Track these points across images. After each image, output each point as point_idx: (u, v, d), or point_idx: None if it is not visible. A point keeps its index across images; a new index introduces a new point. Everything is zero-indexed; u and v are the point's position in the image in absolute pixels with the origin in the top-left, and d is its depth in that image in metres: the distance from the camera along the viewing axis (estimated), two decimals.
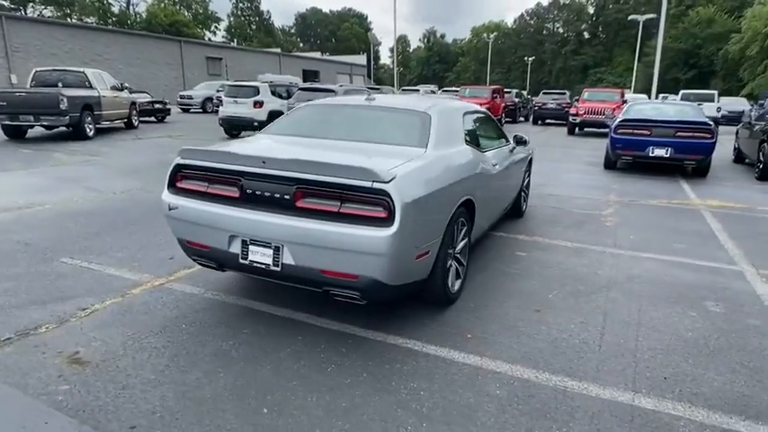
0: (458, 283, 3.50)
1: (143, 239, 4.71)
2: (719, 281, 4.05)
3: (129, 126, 15.57)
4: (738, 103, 25.24)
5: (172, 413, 2.25)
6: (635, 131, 9.00)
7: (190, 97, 25.28)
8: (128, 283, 3.71)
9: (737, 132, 12.39)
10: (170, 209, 3.13)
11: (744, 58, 51.84)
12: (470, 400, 2.40)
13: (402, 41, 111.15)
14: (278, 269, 2.82)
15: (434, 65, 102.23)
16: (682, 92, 22.32)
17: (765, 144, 8.92)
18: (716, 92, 22.54)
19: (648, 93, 38.84)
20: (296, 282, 2.89)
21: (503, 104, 21.07)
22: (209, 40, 63.23)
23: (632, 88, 46.74)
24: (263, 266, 2.86)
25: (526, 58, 76.05)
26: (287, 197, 2.77)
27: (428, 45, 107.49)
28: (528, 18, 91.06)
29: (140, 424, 2.18)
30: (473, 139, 4.01)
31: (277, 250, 2.80)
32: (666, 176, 9.24)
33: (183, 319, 3.16)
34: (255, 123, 13.63)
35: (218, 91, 25.03)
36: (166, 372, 2.58)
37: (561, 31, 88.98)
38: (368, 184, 2.59)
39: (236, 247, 2.94)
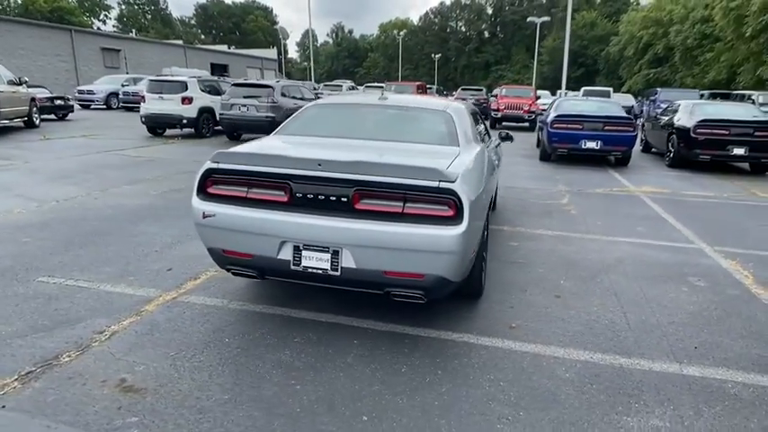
0: (483, 276, 3.63)
1: (123, 251, 4.31)
2: (689, 258, 4.57)
3: (30, 125, 13.94)
4: (626, 99, 28.06)
5: None
6: (569, 126, 9.73)
7: (90, 92, 23.08)
8: (134, 299, 3.40)
9: (643, 125, 13.83)
10: (205, 216, 2.92)
11: (622, 58, 57.58)
12: (549, 386, 2.53)
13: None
14: (337, 273, 2.76)
15: (344, 60, 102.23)
16: (584, 88, 24.32)
17: (674, 136, 10.07)
18: (611, 89, 24.90)
19: (551, 89, 41.79)
20: (355, 285, 2.85)
21: None
22: (98, 29, 58.02)
23: (533, 84, 49.94)
24: (320, 272, 2.78)
25: (433, 55, 78.56)
26: (344, 199, 2.71)
27: (337, 40, 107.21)
28: (432, 16, 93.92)
29: None
30: (480, 136, 4.16)
31: (336, 254, 2.74)
32: (596, 167, 10.11)
33: (221, 334, 2.98)
34: (184, 121, 12.86)
35: (123, 85, 23.19)
36: (237, 389, 2.44)
37: (464, 29, 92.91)
38: (434, 183, 2.62)
39: (286, 254, 2.82)
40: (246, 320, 3.15)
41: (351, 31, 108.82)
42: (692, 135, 9.19)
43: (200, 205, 2.96)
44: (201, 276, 3.82)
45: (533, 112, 18.26)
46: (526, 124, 18.77)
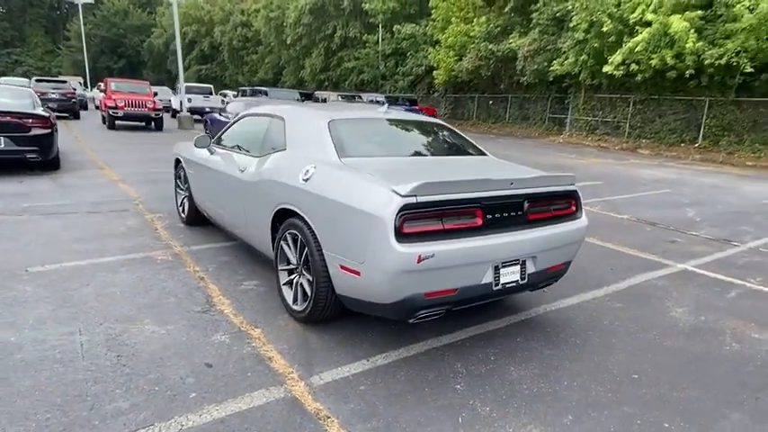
0: None
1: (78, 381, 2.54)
2: None
3: None
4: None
5: None
6: None
7: None
8: (279, 403, 2.38)
9: None
10: (421, 260, 2.51)
11: (168, 52, 58.35)
12: (638, 313, 3.72)
13: None
14: (525, 281, 3.03)
15: None
16: (185, 85, 23.98)
17: None
18: (211, 86, 25.56)
19: (85, 81, 38.38)
20: (528, 288, 3.14)
21: None
22: None
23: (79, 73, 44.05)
24: (514, 284, 2.97)
25: None
26: (520, 212, 3.00)
27: None
28: None
29: None
30: None
31: (524, 264, 3.00)
32: None
33: (438, 385, 2.66)
34: None
35: None
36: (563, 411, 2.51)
37: None
38: (570, 187, 3.29)
39: (488, 277, 2.84)
40: (422, 367, 2.84)
41: None
42: None
43: (406, 249, 2.51)
44: (263, 354, 2.88)
45: (159, 110, 17.16)
46: (151, 124, 17.49)
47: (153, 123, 17.36)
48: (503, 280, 2.90)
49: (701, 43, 14.71)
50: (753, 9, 13.92)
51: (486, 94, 26.67)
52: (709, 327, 3.56)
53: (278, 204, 3.36)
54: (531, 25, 20.85)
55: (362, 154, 3.34)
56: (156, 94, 18.69)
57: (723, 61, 14.60)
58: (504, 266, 2.89)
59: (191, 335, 3.06)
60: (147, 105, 16.85)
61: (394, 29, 29.75)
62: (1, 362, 2.66)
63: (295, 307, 3.29)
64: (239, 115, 4.58)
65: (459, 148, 3.90)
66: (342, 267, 2.80)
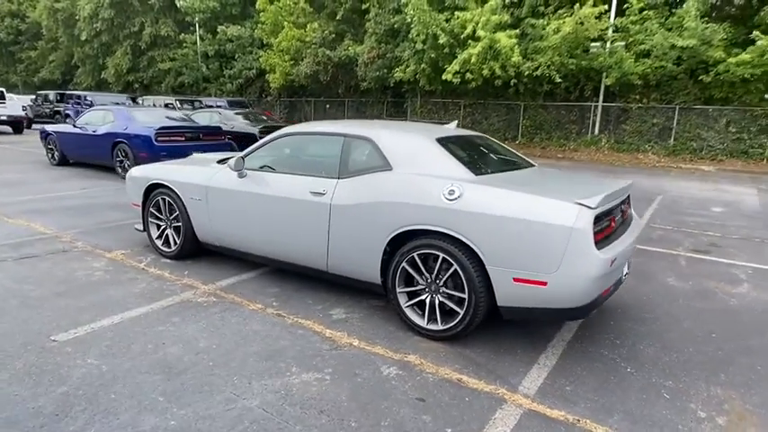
0: None
1: None
2: None
3: None
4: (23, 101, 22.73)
5: None
6: (173, 138, 9.33)
7: None
8: None
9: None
10: (612, 263, 2.86)
11: None
12: (652, 286, 4.55)
13: None
14: (629, 271, 3.56)
15: None
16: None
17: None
18: (3, 89, 20.37)
19: None
20: None
21: None
22: None
23: None
24: (625, 276, 3.48)
25: None
26: (620, 216, 3.51)
27: None
28: None
29: None
30: None
31: (625, 259, 3.52)
32: None
33: (607, 382, 3.01)
34: None
35: None
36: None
37: None
38: (630, 191, 3.91)
39: (621, 273, 3.29)
40: (585, 360, 3.15)
41: None
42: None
43: (603, 255, 2.82)
44: (449, 377, 2.85)
45: None
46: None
47: None
48: (623, 272, 3.38)
49: (520, 57, 17.46)
50: (557, 31, 17.09)
51: (322, 98, 27.10)
52: (703, 289, 4.58)
53: (401, 226, 3.26)
54: (368, 34, 21.93)
55: (483, 171, 3.46)
56: None
57: (538, 72, 17.59)
58: (622, 265, 3.36)
59: (359, 374, 2.82)
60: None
61: (218, 29, 28.11)
62: None
63: (431, 326, 3.26)
64: (274, 135, 4.10)
65: (517, 160, 4.25)
66: (517, 280, 2.93)
